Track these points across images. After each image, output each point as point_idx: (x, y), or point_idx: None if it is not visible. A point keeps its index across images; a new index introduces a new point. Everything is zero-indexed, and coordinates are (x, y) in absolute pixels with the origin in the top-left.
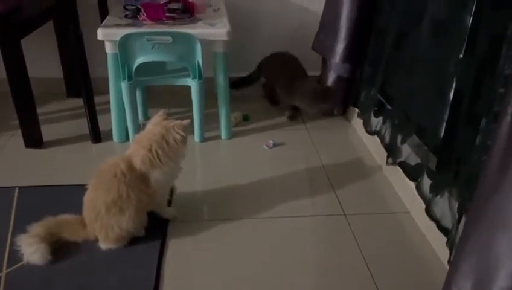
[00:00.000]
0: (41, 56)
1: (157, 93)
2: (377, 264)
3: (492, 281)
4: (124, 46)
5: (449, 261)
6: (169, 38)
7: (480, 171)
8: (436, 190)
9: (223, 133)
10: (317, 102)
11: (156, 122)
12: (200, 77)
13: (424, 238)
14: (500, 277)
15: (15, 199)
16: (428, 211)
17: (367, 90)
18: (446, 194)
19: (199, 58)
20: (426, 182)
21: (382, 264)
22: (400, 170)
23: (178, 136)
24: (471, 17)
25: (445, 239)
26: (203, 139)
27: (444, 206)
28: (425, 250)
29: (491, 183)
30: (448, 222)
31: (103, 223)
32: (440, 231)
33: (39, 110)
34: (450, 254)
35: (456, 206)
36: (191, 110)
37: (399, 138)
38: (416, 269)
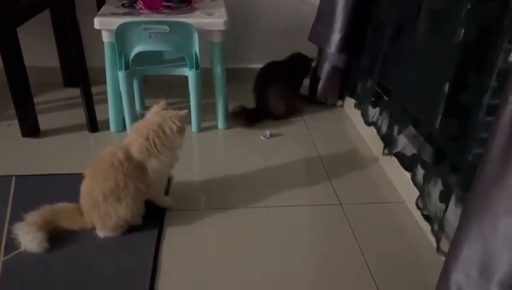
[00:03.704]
0: (37, 45)
1: (155, 83)
2: (372, 253)
3: (496, 266)
4: (121, 35)
5: (438, 249)
6: (167, 28)
7: (476, 161)
8: (429, 180)
9: (220, 124)
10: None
11: (155, 112)
12: (197, 67)
13: (418, 228)
14: (504, 261)
15: (12, 187)
16: (418, 201)
17: (364, 81)
18: (439, 184)
19: (196, 48)
20: (421, 172)
21: (377, 253)
22: (396, 161)
23: (174, 126)
24: (467, 9)
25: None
26: (200, 129)
27: (433, 196)
28: (420, 239)
29: (495, 169)
30: (431, 211)
31: (100, 211)
32: (425, 219)
33: (36, 100)
34: (438, 242)
35: (438, 196)
36: (189, 101)
37: (395, 128)
38: (411, 257)
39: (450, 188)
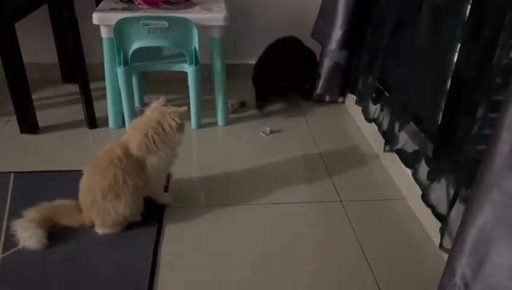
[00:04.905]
0: (36, 41)
1: (154, 79)
2: (373, 250)
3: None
4: (120, 30)
5: (440, 246)
6: (166, 23)
7: (478, 157)
8: (433, 176)
9: (220, 120)
10: None
11: (155, 108)
12: (196, 63)
13: (419, 224)
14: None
15: (11, 184)
16: (425, 198)
17: (365, 78)
18: (442, 180)
19: (195, 44)
20: (423, 168)
21: (378, 250)
22: (396, 157)
23: (173, 123)
24: (470, 5)
25: (439, 225)
26: (200, 126)
27: (441, 192)
28: (421, 235)
29: (500, 165)
30: (443, 208)
31: (99, 208)
32: (435, 216)
33: (34, 96)
34: (442, 238)
35: (452, 192)
36: (188, 97)
37: (397, 125)
38: (412, 254)
39: (458, 184)
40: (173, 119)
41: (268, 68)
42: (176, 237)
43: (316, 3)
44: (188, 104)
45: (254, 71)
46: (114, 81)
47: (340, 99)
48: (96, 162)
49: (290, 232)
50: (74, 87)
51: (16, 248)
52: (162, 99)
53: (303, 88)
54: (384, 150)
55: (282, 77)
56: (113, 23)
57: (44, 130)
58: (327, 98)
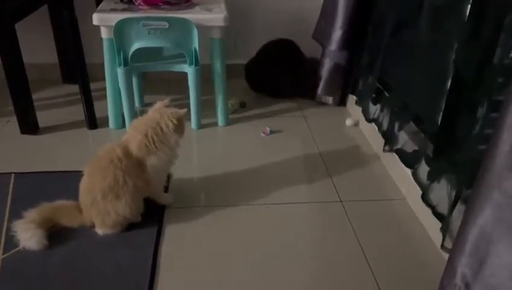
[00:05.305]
0: (36, 41)
1: (154, 79)
2: (373, 250)
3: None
4: (120, 31)
5: (442, 246)
6: (166, 24)
7: (479, 157)
8: (433, 176)
9: (220, 120)
10: None
11: (156, 109)
12: (196, 63)
13: (419, 224)
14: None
15: (11, 185)
16: (425, 198)
17: (365, 78)
18: (443, 180)
19: (196, 44)
20: (423, 168)
21: (378, 250)
22: (397, 157)
23: (170, 124)
24: (470, 5)
25: (439, 225)
26: (200, 126)
27: (441, 192)
28: (421, 235)
29: (501, 165)
30: (443, 208)
31: (99, 209)
32: (436, 216)
33: (34, 96)
34: (444, 238)
35: (454, 193)
36: (188, 97)
37: (396, 125)
38: (412, 254)
39: (458, 185)
40: (170, 120)
41: (262, 68)
42: (176, 238)
43: (315, 4)
44: (188, 105)
45: (246, 71)
46: (114, 81)
47: (349, 121)
48: (96, 163)
49: (290, 232)
50: (74, 88)
51: (16, 249)
52: (167, 100)
53: (301, 87)
54: (384, 150)
55: (276, 77)
56: (113, 23)
57: (45, 130)
58: (329, 100)
